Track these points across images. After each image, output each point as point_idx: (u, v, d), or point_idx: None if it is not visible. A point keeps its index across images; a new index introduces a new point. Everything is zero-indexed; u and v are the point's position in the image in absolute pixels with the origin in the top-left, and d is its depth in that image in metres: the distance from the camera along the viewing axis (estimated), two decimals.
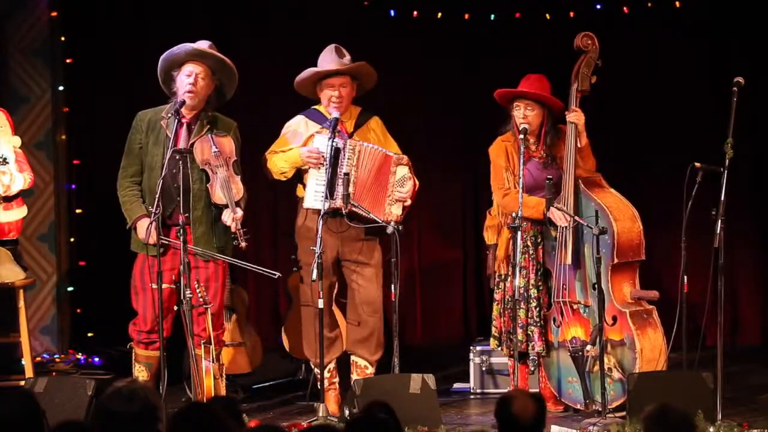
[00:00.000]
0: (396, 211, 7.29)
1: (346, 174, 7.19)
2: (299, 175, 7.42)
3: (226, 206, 7.03)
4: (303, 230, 7.41)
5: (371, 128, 7.45)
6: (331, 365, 7.46)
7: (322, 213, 7.18)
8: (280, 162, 7.36)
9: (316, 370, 7.41)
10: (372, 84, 7.49)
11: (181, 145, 6.99)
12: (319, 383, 7.25)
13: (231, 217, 7.01)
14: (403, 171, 7.32)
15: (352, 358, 7.46)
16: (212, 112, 7.16)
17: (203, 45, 7.16)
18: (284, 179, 7.44)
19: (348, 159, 7.23)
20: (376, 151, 7.30)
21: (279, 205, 9.45)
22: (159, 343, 6.96)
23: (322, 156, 7.21)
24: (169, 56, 7.11)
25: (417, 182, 7.37)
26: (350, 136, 7.35)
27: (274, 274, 7.07)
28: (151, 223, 6.86)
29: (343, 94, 7.33)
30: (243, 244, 7.04)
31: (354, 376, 7.32)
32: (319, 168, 7.22)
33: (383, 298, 7.39)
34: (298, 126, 7.44)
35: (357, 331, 7.43)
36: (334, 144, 7.20)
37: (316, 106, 7.46)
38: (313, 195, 7.24)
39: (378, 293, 7.35)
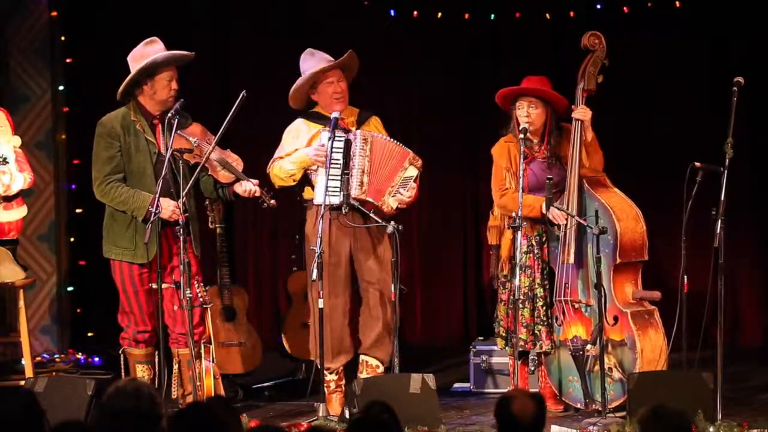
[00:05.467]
0: (392, 203, 7.29)
1: (346, 173, 7.19)
2: (306, 178, 7.40)
3: (235, 182, 7.10)
4: (315, 230, 7.23)
5: (373, 126, 7.45)
6: (340, 368, 7.44)
7: (322, 213, 7.18)
8: (286, 165, 7.31)
9: (324, 372, 7.39)
10: (355, 71, 7.46)
11: (161, 145, 7.00)
12: (322, 382, 7.24)
13: (252, 184, 7.09)
14: (413, 172, 7.33)
15: (363, 357, 7.43)
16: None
17: (158, 46, 7.12)
18: (293, 183, 7.37)
19: (360, 149, 7.22)
20: (392, 143, 7.31)
21: (279, 206, 9.44)
22: (155, 340, 7.03)
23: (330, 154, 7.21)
24: (150, 64, 7.04)
25: (417, 192, 7.38)
26: None
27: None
28: (150, 222, 6.86)
29: (343, 87, 7.34)
30: (272, 201, 7.16)
31: (363, 376, 7.29)
32: (328, 165, 7.20)
33: None
34: (299, 128, 7.41)
35: (370, 329, 7.42)
36: (344, 137, 7.21)
37: (314, 109, 7.45)
38: (323, 191, 7.21)
39: (390, 290, 7.26)
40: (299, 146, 7.34)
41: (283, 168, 7.32)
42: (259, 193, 7.10)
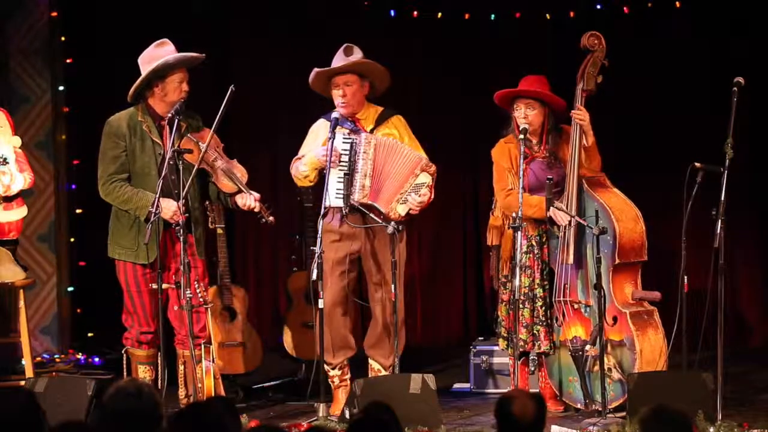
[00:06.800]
0: (401, 210, 7.28)
1: (347, 175, 7.19)
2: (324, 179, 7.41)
3: (237, 193, 7.07)
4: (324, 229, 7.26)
5: (393, 125, 7.43)
6: (343, 363, 7.44)
7: (323, 213, 7.19)
8: (300, 167, 7.35)
9: (327, 368, 7.38)
10: (384, 83, 7.44)
11: (168, 146, 6.97)
12: (323, 382, 7.23)
13: (252, 198, 7.07)
14: (425, 178, 7.31)
15: (369, 360, 7.46)
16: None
17: (169, 48, 7.10)
18: (310, 184, 7.42)
19: (363, 153, 7.22)
20: (402, 148, 7.30)
21: (279, 206, 9.45)
22: (158, 341, 7.00)
23: (339, 155, 7.20)
24: (162, 66, 7.02)
25: (432, 197, 7.36)
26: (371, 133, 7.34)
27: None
28: (151, 223, 6.85)
29: (348, 93, 7.31)
30: (271, 218, 7.12)
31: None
32: (328, 166, 7.20)
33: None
34: (318, 130, 7.44)
35: (372, 330, 7.42)
36: (351, 139, 7.21)
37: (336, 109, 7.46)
38: (334, 193, 7.22)
39: (397, 292, 7.20)
40: (315, 147, 7.36)
41: (298, 170, 7.37)
42: (258, 209, 7.09)
